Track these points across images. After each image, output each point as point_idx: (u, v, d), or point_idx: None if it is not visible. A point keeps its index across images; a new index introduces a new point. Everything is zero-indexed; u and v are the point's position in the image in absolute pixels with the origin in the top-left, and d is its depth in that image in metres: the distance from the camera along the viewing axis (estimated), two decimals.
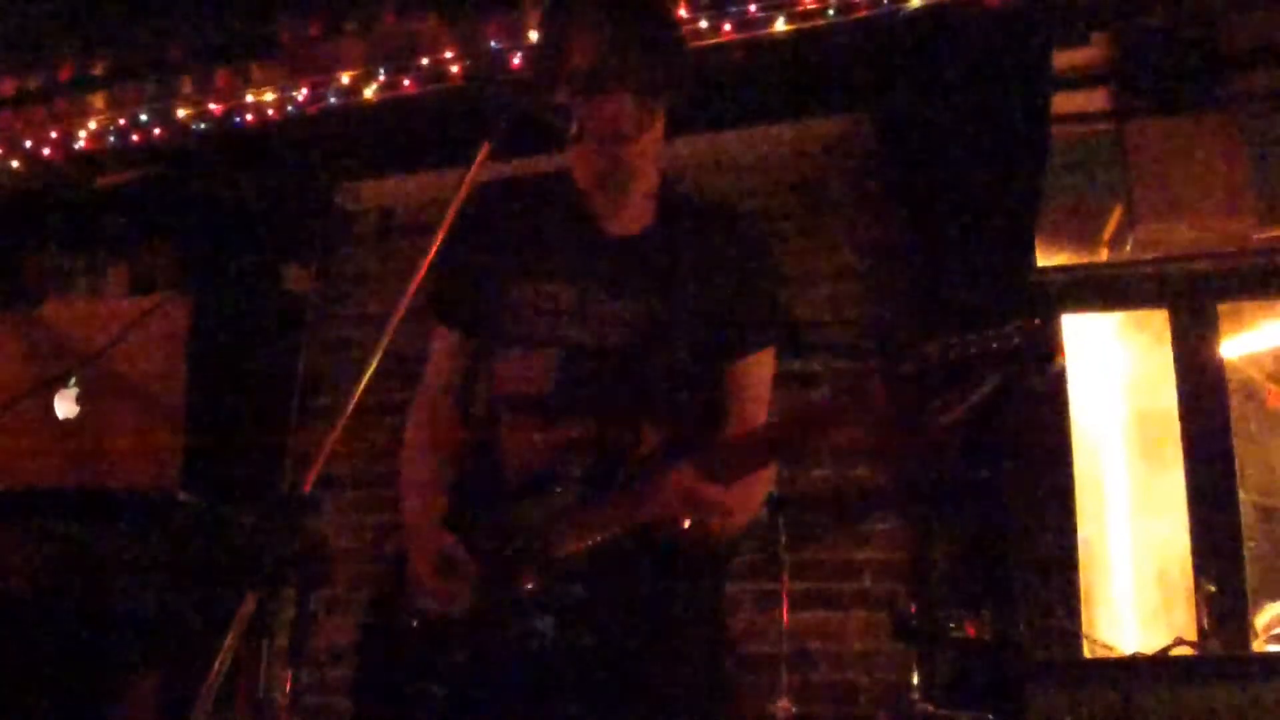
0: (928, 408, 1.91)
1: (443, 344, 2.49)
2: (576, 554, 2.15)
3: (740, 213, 2.55)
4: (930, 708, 3.84)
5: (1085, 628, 4.50)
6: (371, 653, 2.38)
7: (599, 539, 2.14)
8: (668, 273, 2.30)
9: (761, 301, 2.38)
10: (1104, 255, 5.14)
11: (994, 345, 1.86)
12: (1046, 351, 1.83)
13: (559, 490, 2.21)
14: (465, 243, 2.39)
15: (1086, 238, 5.16)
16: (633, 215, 2.37)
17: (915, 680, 3.86)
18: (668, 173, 2.46)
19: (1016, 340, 1.85)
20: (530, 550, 2.18)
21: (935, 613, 3.93)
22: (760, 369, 2.35)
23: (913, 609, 3.91)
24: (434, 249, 2.01)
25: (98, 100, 5.64)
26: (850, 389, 2.03)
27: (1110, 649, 4.41)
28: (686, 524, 2.11)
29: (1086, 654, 4.45)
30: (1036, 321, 1.84)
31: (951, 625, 3.88)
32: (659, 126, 2.36)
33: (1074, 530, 4.59)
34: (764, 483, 2.29)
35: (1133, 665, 4.22)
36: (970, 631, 3.86)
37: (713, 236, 2.36)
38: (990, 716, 3.82)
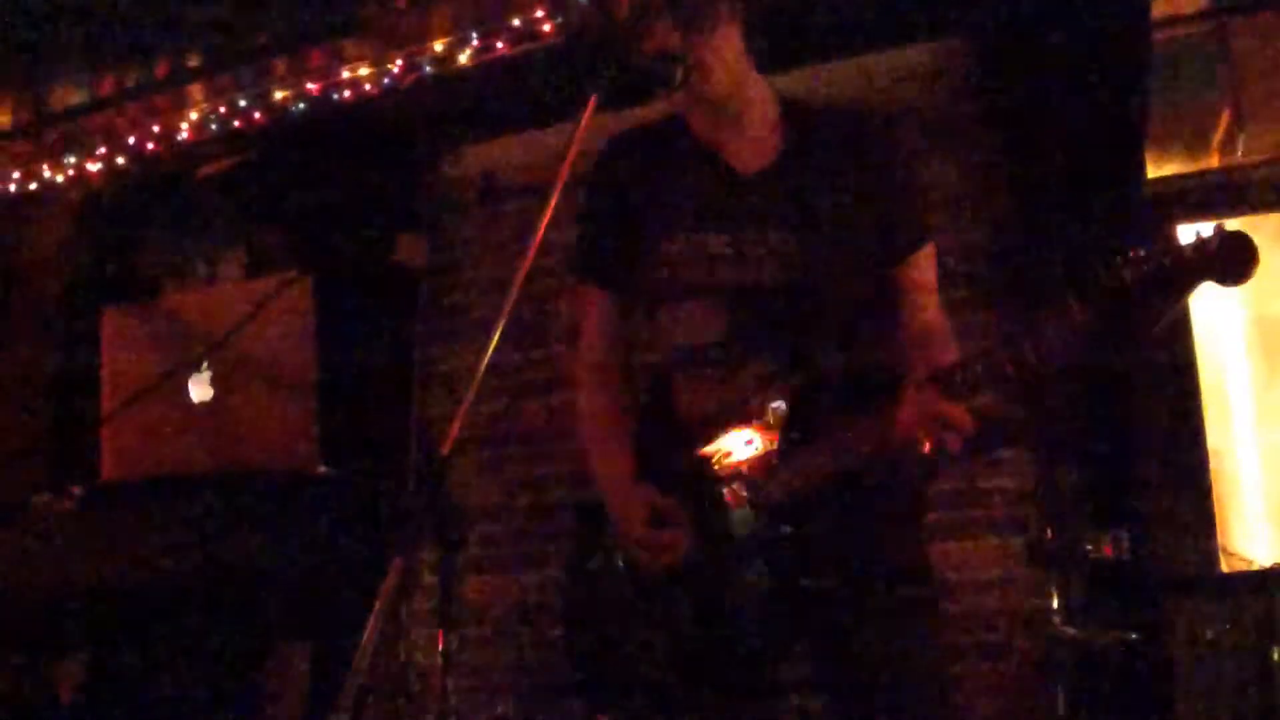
0: (1134, 318, 1.88)
1: (597, 306, 2.51)
2: (793, 492, 2.15)
3: (866, 114, 2.51)
4: (1071, 630, 3.81)
5: (1220, 541, 4.44)
6: (582, 609, 2.42)
7: (823, 475, 2.14)
8: (809, 198, 2.28)
9: (909, 199, 2.38)
10: (1215, 161, 5.01)
11: (1191, 254, 1.81)
12: (1247, 256, 1.78)
13: (762, 432, 2.21)
14: (604, 200, 2.46)
15: (1195, 144, 5.03)
16: (759, 148, 2.35)
17: (1055, 604, 3.83)
18: (783, 94, 2.43)
19: (1215, 245, 1.80)
20: (744, 492, 2.19)
21: (1069, 536, 3.88)
22: (924, 265, 2.35)
23: (1048, 533, 3.88)
24: (548, 209, 2.01)
25: (195, 91, 5.73)
26: (1049, 309, 1.98)
27: (1248, 561, 4.35)
28: (928, 447, 2.07)
29: (1223, 568, 4.40)
30: (1230, 229, 1.78)
31: (1088, 547, 3.84)
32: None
33: (1203, 443, 4.51)
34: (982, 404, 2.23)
35: (1272, 576, 4.16)
36: (1107, 552, 3.82)
37: (845, 148, 2.34)
38: (1133, 635, 3.79)
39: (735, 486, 2.21)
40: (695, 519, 2.24)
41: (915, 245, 2.34)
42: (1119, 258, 1.86)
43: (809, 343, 2.24)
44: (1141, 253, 1.84)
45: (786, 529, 2.16)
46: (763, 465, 2.20)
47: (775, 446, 2.19)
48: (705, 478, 2.25)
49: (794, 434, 2.19)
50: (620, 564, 2.32)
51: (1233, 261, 1.79)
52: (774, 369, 2.24)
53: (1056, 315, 1.95)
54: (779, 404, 2.20)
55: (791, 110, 2.40)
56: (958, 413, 2.04)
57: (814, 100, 2.50)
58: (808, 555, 2.16)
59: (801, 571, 2.15)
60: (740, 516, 2.19)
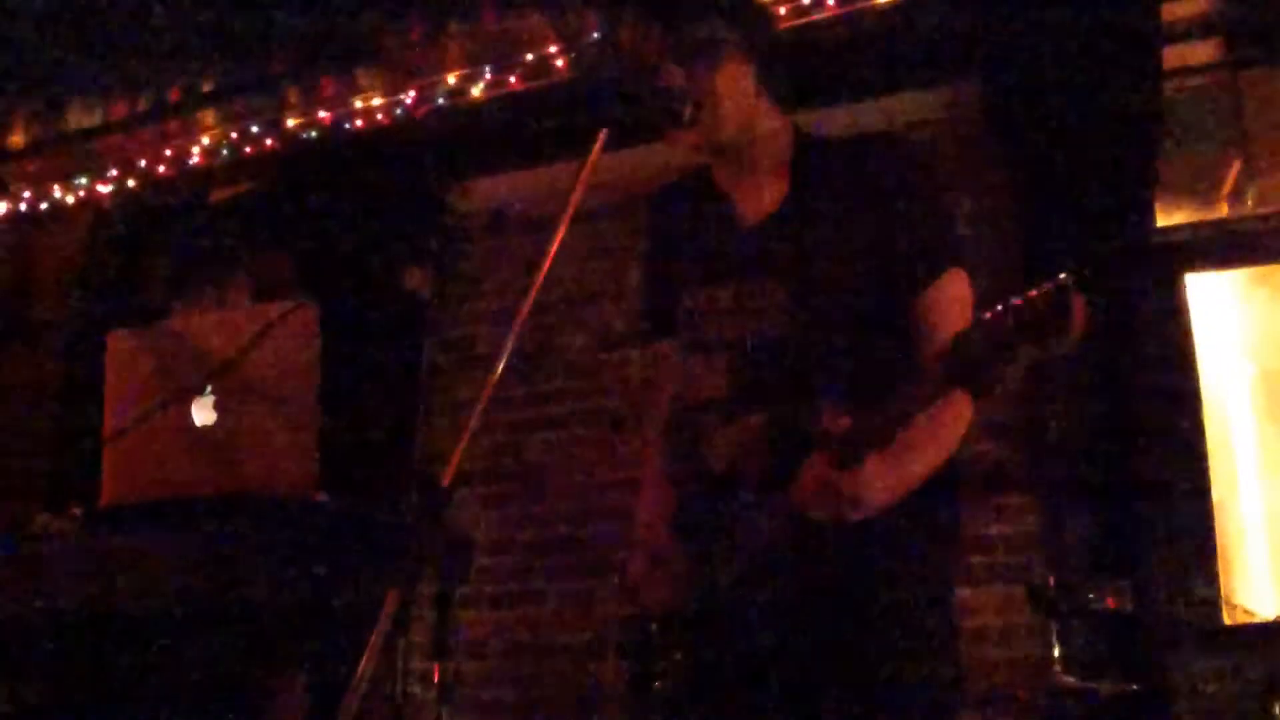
0: (980, 380, 1.83)
1: (673, 362, 2.45)
2: (775, 546, 2.13)
3: (885, 143, 2.41)
4: (1073, 681, 3.79)
5: (1223, 593, 4.42)
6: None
7: (783, 532, 2.11)
8: (809, 246, 2.23)
9: (931, 226, 2.26)
10: (1224, 211, 5.01)
11: (1020, 317, 1.70)
12: (1059, 321, 1.65)
13: (743, 487, 2.19)
14: (663, 251, 2.47)
15: (1205, 194, 5.03)
16: (767, 191, 2.32)
17: (1056, 654, 3.80)
18: (802, 130, 2.40)
19: (1039, 307, 1.67)
20: (731, 545, 2.18)
21: (1072, 585, 3.86)
22: (947, 292, 2.21)
23: (1050, 581, 3.86)
24: (555, 244, 2.00)
25: (208, 116, 5.77)
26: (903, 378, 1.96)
27: (1251, 614, 4.33)
28: (819, 516, 2.03)
29: (1226, 620, 4.37)
30: (1048, 286, 1.65)
31: (1090, 597, 3.82)
32: (764, 95, 2.31)
33: (1208, 494, 4.49)
34: (934, 447, 2.16)
35: (1275, 629, 4.14)
36: (1110, 603, 3.80)
37: (856, 183, 2.26)
38: (1135, 687, 3.77)
39: (727, 537, 2.20)
40: (695, 569, 2.23)
41: (935, 270, 2.21)
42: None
43: (808, 396, 2.16)
44: (985, 316, 1.74)
45: (780, 581, 2.14)
46: (743, 520, 2.19)
47: (756, 500, 2.18)
48: (705, 528, 2.24)
49: (771, 491, 2.15)
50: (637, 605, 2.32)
51: (1050, 323, 1.67)
52: (766, 425, 2.20)
53: (916, 390, 1.92)
54: (760, 462, 2.18)
55: (807, 148, 2.36)
56: (850, 481, 1.98)
57: (834, 135, 2.44)
58: (798, 608, 2.14)
59: (795, 624, 2.13)
60: (732, 569, 2.18)
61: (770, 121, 2.33)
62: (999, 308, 1.71)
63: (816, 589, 2.13)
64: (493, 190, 5.68)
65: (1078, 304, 1.64)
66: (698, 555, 2.23)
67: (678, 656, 2.21)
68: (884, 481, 2.02)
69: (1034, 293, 1.66)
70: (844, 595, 2.15)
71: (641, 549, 2.33)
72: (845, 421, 2.00)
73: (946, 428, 2.15)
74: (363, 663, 1.77)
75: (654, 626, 2.26)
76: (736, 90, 2.25)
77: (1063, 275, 1.65)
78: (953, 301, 2.20)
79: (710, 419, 2.29)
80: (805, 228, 2.26)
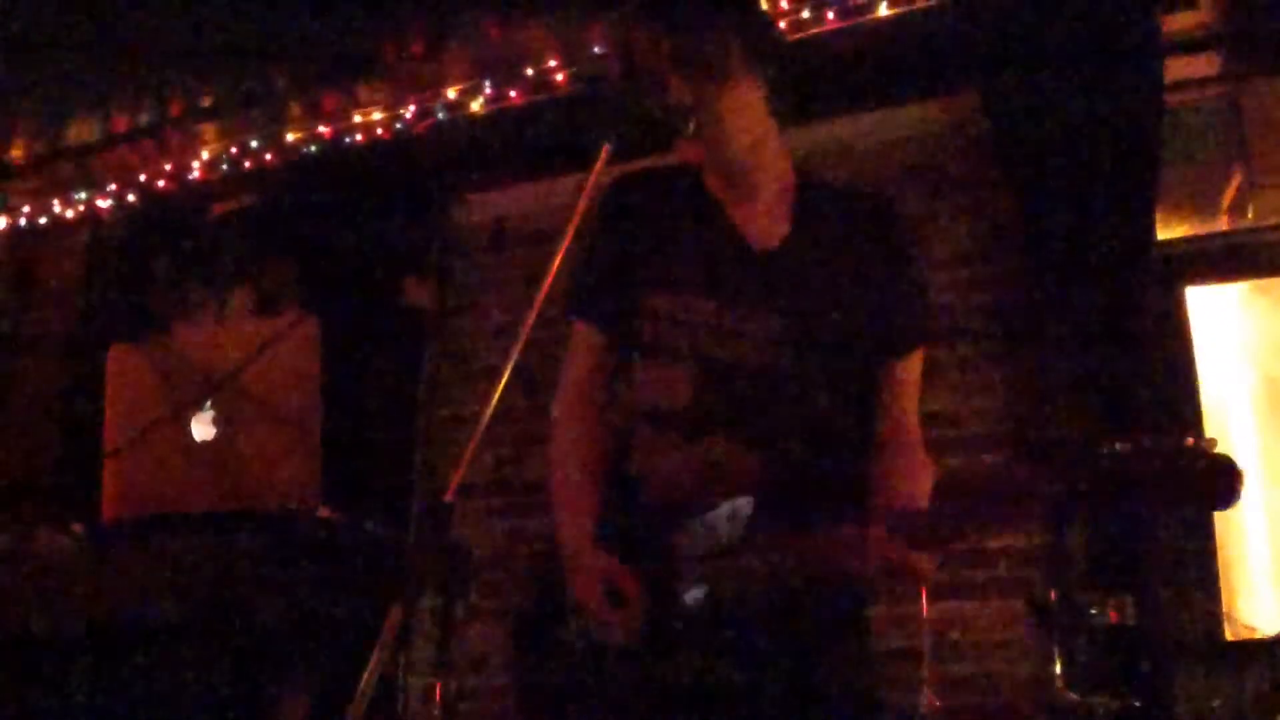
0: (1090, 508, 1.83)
1: (583, 342, 2.40)
2: (751, 579, 2.07)
3: (883, 201, 2.39)
4: (1074, 696, 3.77)
5: (1225, 608, 4.40)
6: (530, 673, 2.35)
7: (773, 568, 2.06)
8: (808, 284, 2.21)
9: (913, 300, 2.28)
10: (1224, 224, 5.01)
11: (1175, 466, 1.69)
12: (1226, 493, 1.65)
13: (726, 516, 2.12)
14: (606, 240, 2.35)
15: (1206, 207, 5.03)
16: (769, 220, 2.28)
17: (1058, 669, 3.79)
18: (798, 164, 2.37)
19: (1200, 466, 1.66)
20: (699, 575, 2.11)
21: (1074, 599, 3.85)
22: (914, 369, 2.27)
23: (1052, 596, 3.84)
24: (558, 257, 1.99)
25: (208, 131, 5.76)
26: (1011, 490, 1.92)
27: (1252, 630, 4.31)
28: (864, 574, 2.02)
29: (1228, 636, 4.36)
30: (1220, 455, 1.65)
31: (1093, 611, 3.81)
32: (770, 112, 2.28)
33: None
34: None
35: (1277, 646, 4.12)
36: (1113, 617, 3.78)
37: (857, 233, 2.26)
38: (1136, 703, 3.75)
39: (694, 573, 2.12)
40: (651, 598, 2.14)
41: (910, 346, 2.26)
42: (1125, 444, 1.75)
43: (774, 430, 2.16)
44: (1147, 445, 1.71)
45: (749, 615, 2.08)
46: (723, 554, 2.11)
47: (736, 538, 2.10)
48: (668, 554, 2.16)
49: (756, 529, 2.09)
50: (578, 633, 2.22)
51: (1221, 488, 1.66)
52: (731, 452, 2.16)
53: (1036, 483, 1.88)
54: (745, 501, 2.11)
55: (807, 184, 2.33)
56: (920, 564, 1.97)
57: (830, 177, 2.43)
58: (767, 644, 2.09)
59: (760, 661, 2.08)
60: (693, 600, 2.10)
61: (776, 145, 2.30)
62: (1144, 442, 1.71)
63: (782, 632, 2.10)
64: (494, 204, 5.68)
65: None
66: (644, 581, 2.15)
67: (627, 689, 2.14)
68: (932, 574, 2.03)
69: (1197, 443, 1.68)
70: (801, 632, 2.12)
71: (588, 575, 2.20)
72: (919, 511, 1.99)
73: None
74: (364, 678, 1.76)
75: (608, 656, 2.19)
76: (744, 108, 2.22)
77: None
78: (916, 378, 2.28)
79: (666, 434, 2.24)
80: (803, 267, 2.23)
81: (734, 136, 2.22)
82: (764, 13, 2.40)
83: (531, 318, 1.96)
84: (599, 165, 2.04)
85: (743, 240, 2.27)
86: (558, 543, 2.32)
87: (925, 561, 1.96)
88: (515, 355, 1.96)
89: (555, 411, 2.46)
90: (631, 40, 2.24)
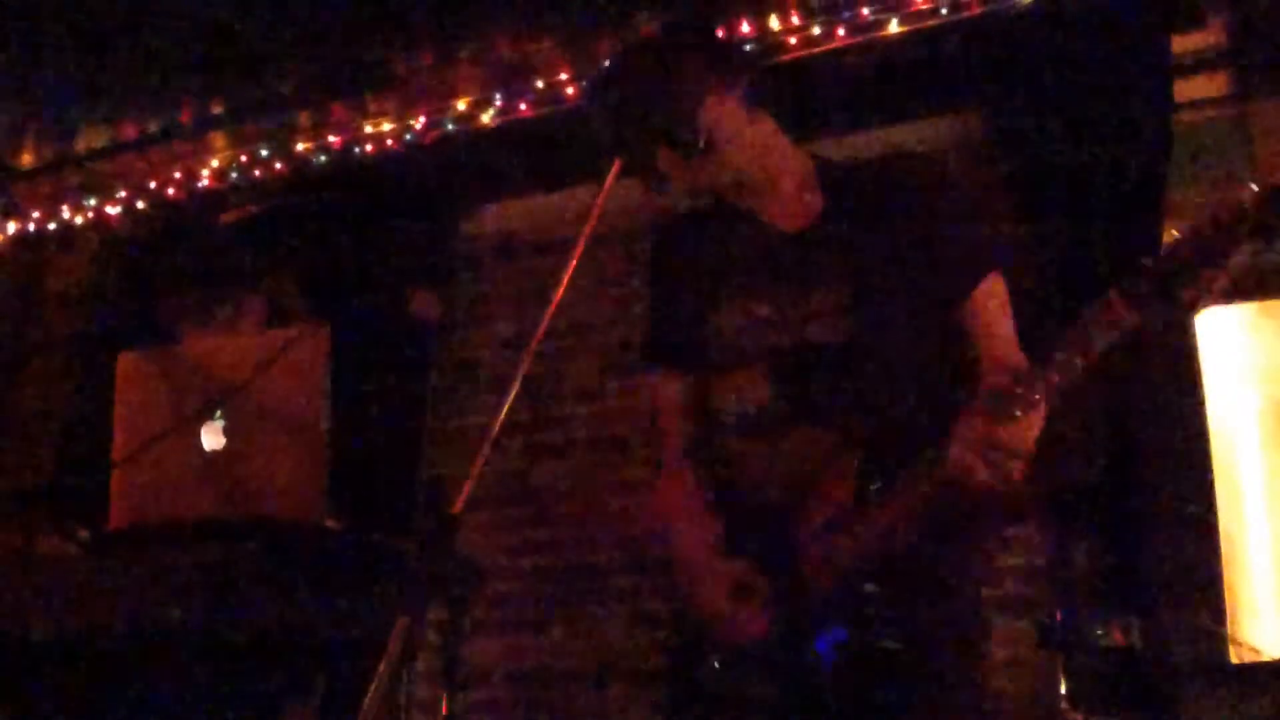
0: (1181, 299, 1.85)
1: (676, 391, 2.47)
2: (865, 555, 2.10)
3: (905, 160, 2.46)
4: (1079, 716, 3.76)
5: (1230, 631, 4.39)
6: (684, 704, 2.36)
7: (888, 532, 2.09)
8: (855, 254, 2.25)
9: (964, 233, 2.30)
10: None
11: (1230, 217, 1.80)
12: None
13: (827, 494, 2.16)
14: (656, 285, 2.49)
15: None
16: (796, 209, 2.34)
17: (1063, 689, 3.78)
18: (816, 156, 2.43)
19: (1254, 202, 1.79)
20: (819, 561, 2.14)
21: (1080, 620, 3.84)
22: (989, 297, 2.25)
23: (1057, 616, 3.83)
24: (569, 271, 2.00)
25: (218, 139, 5.78)
26: (1093, 312, 1.94)
27: (1257, 652, 4.30)
28: (987, 478, 1.98)
29: (1233, 659, 4.34)
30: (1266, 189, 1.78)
31: (1098, 632, 3.79)
32: (766, 121, 2.34)
33: (1215, 529, 4.47)
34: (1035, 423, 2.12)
35: None
36: (1118, 638, 3.77)
37: (887, 198, 2.29)
38: None
39: (813, 550, 2.15)
40: (778, 591, 2.18)
41: (974, 277, 2.25)
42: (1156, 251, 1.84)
43: (856, 404, 2.18)
44: (1178, 234, 1.81)
45: (870, 587, 2.10)
46: (838, 527, 2.14)
47: (848, 508, 2.14)
48: (780, 545, 2.20)
49: (868, 494, 2.13)
50: (712, 648, 2.24)
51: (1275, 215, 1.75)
52: (815, 435, 2.19)
53: (1101, 317, 1.92)
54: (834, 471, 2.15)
55: (827, 171, 2.39)
56: (1011, 435, 1.98)
57: (846, 160, 2.49)
58: (891, 613, 2.11)
59: (887, 630, 2.10)
60: (819, 586, 2.14)
61: (779, 142, 2.36)
62: (1209, 215, 1.79)
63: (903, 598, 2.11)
64: (502, 216, 5.69)
65: None
66: (775, 588, 2.19)
67: (767, 689, 2.16)
68: (1033, 434, 2.02)
69: (1251, 194, 1.78)
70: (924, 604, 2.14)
71: (715, 580, 2.25)
72: (1004, 380, 2.01)
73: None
74: (370, 691, 1.76)
75: (716, 661, 2.22)
76: (730, 123, 2.26)
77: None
78: (998, 304, 2.26)
79: (751, 437, 2.28)
80: (846, 238, 2.28)
81: (735, 155, 2.28)
82: (723, 42, 2.44)
83: (541, 330, 1.97)
84: (610, 179, 2.05)
85: (776, 230, 2.33)
86: (681, 560, 2.36)
87: (1014, 433, 1.97)
88: (524, 367, 1.96)
89: (665, 459, 2.52)
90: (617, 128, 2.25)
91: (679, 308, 2.43)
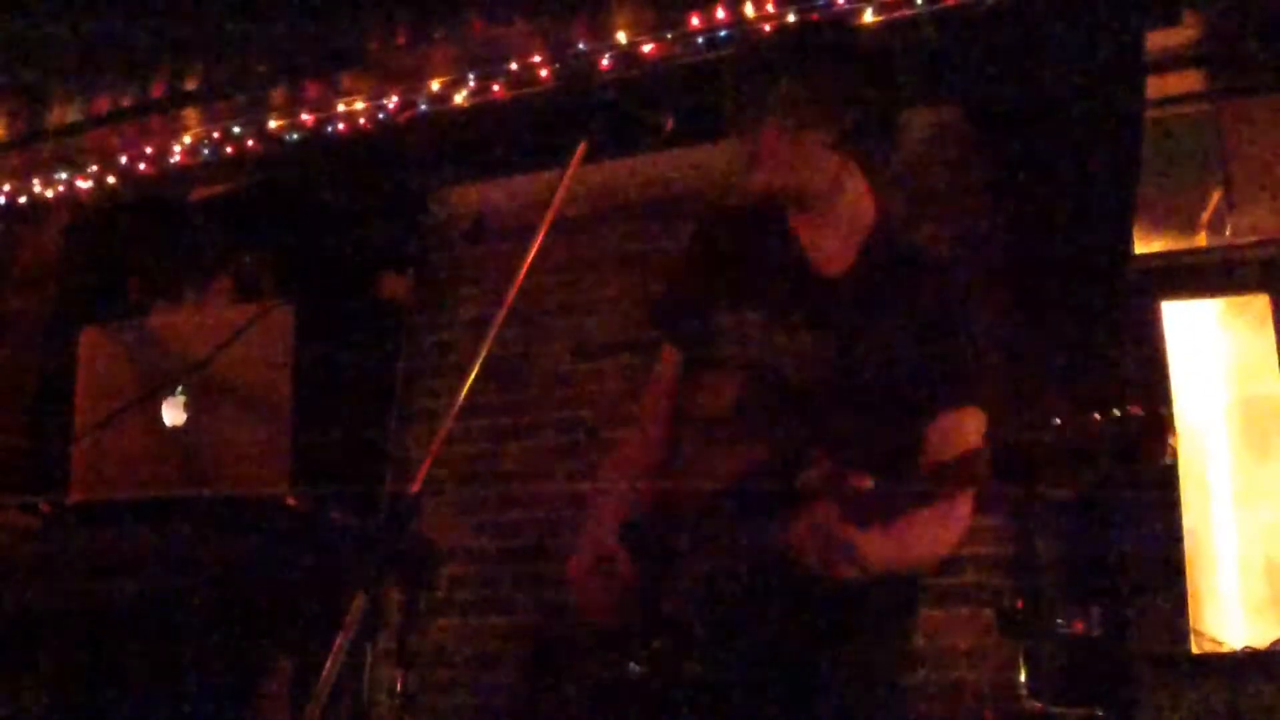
0: (1034, 487, 1.88)
1: (670, 366, 2.53)
2: (733, 575, 2.13)
3: (947, 263, 2.49)
4: (1038, 705, 3.78)
5: (1192, 622, 4.42)
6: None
7: (750, 562, 2.12)
8: (865, 316, 2.27)
9: (958, 358, 2.29)
10: (1202, 240, 5.03)
11: (1108, 431, 1.80)
12: (1160, 443, 1.75)
13: (723, 513, 2.19)
14: (687, 268, 2.53)
15: (1184, 223, 5.05)
16: (840, 250, 2.36)
17: (1023, 678, 3.80)
18: (882, 217, 2.43)
19: (1134, 429, 1.78)
20: (689, 568, 2.18)
21: (1042, 609, 3.86)
22: (957, 426, 2.22)
23: (1019, 605, 3.85)
24: (532, 253, 2.01)
25: (190, 115, 5.74)
26: (961, 459, 1.98)
27: (1218, 643, 4.33)
28: (812, 563, 2.01)
29: (1194, 649, 4.38)
30: (1152, 409, 1.77)
31: (1059, 621, 3.82)
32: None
33: (1179, 522, 4.50)
34: (932, 539, 2.18)
35: (1243, 660, 4.15)
36: (1079, 627, 3.80)
37: (915, 289, 2.31)
38: (1100, 714, 3.76)
39: (686, 562, 2.20)
40: (640, 586, 2.23)
41: (951, 402, 2.25)
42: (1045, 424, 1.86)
43: (808, 443, 2.18)
44: (1068, 422, 1.84)
45: (723, 614, 2.14)
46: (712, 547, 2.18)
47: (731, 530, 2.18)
48: (672, 546, 2.24)
49: (747, 522, 2.17)
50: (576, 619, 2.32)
51: (1148, 447, 1.78)
52: (764, 456, 2.22)
53: (964, 467, 1.98)
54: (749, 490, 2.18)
55: (884, 226, 2.40)
56: (849, 535, 1.99)
57: (903, 239, 2.50)
58: (738, 643, 2.15)
59: (729, 659, 2.14)
60: (679, 592, 2.18)
61: (856, 185, 2.37)
62: (1086, 418, 1.80)
63: (775, 631, 2.14)
64: (473, 197, 5.67)
65: (1170, 434, 1.75)
66: (648, 575, 2.22)
67: (606, 672, 2.23)
68: (882, 552, 2.04)
69: (1132, 410, 1.77)
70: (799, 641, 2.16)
71: (589, 552, 2.32)
72: (866, 482, 2.02)
73: (951, 525, 2.19)
74: (327, 666, 1.76)
75: (634, 664, 2.24)
76: (785, 146, 2.29)
77: (1155, 408, 1.79)
78: (957, 437, 2.21)
79: (715, 438, 2.31)
80: (860, 298, 2.30)
81: (776, 171, 2.32)
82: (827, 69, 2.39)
83: (503, 312, 1.98)
84: (575, 162, 2.06)
85: (807, 264, 2.36)
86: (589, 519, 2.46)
87: (850, 533, 1.98)
88: (487, 350, 1.97)
89: (642, 420, 2.59)
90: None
91: (695, 295, 2.47)
